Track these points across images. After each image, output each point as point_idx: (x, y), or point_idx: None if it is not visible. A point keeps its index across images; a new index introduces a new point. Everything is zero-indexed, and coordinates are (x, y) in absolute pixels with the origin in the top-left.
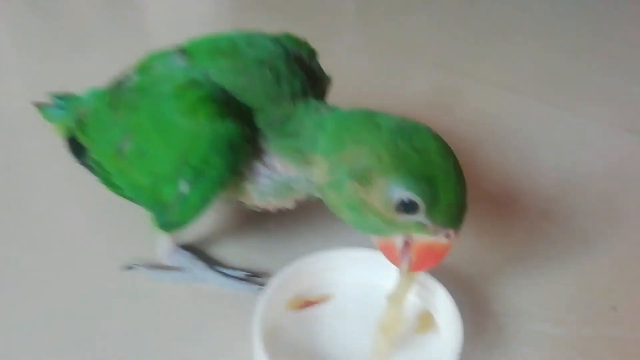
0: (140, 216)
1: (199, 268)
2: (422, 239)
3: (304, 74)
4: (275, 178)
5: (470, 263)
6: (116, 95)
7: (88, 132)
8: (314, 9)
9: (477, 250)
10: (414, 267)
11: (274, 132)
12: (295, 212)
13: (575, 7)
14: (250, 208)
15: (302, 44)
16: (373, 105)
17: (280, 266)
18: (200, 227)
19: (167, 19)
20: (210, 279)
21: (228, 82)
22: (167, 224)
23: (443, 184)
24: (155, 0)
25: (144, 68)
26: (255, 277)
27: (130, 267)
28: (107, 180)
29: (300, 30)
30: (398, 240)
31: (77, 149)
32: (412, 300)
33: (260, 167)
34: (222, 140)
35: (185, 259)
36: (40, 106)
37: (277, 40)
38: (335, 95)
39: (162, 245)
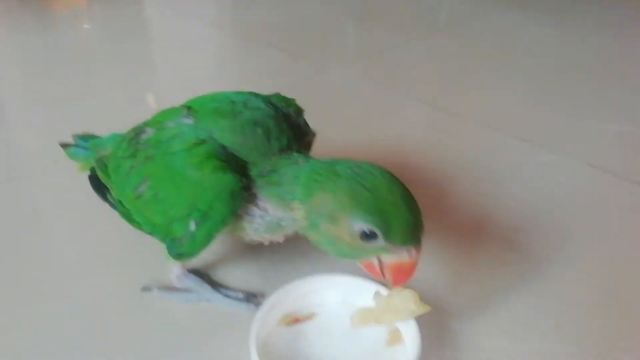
0: (155, 247)
1: (204, 290)
2: (390, 259)
3: (290, 130)
4: (267, 218)
5: (437, 287)
6: (134, 145)
7: (109, 173)
8: (314, 46)
9: (444, 276)
10: (393, 283)
11: (263, 181)
12: (286, 243)
13: (553, 51)
14: (247, 242)
15: (290, 103)
16: (363, 135)
17: (274, 288)
18: (206, 254)
19: (174, 56)
20: (214, 299)
21: (228, 140)
22: (178, 255)
23: (393, 213)
24: (161, 37)
25: (157, 123)
26: (252, 297)
27: (147, 289)
28: (127, 216)
29: (300, 66)
30: (374, 261)
31: (98, 185)
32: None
33: (254, 210)
34: (224, 190)
35: (193, 282)
36: (65, 146)
37: (268, 100)
38: (331, 121)
39: (174, 271)
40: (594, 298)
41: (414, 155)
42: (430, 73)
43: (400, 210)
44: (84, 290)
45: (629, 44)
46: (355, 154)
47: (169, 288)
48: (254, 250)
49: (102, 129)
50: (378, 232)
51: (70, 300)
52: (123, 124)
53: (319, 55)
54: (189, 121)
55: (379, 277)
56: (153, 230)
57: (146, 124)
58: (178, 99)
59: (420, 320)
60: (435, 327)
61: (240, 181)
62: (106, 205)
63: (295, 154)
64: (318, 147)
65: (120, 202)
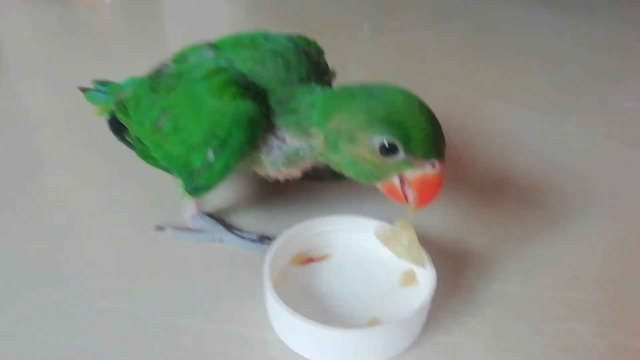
0: (170, 190)
1: (218, 230)
2: (413, 174)
3: (310, 65)
4: (284, 149)
5: (453, 238)
6: (156, 80)
7: (128, 112)
8: (329, 23)
9: (460, 228)
10: (419, 203)
11: (281, 109)
12: (298, 189)
13: (570, 27)
14: (263, 178)
15: (311, 43)
16: None
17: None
18: (219, 199)
19: (190, 31)
20: (228, 240)
21: (248, 68)
22: (195, 189)
23: (412, 124)
24: (173, 14)
25: (180, 58)
26: (266, 239)
27: (161, 228)
28: (144, 153)
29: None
30: (396, 181)
31: (116, 127)
32: (399, 260)
33: (272, 140)
34: (243, 116)
35: (207, 223)
36: (85, 90)
37: (290, 37)
38: None
39: (188, 210)
40: (613, 254)
41: None
42: (450, 53)
43: (419, 121)
44: (99, 229)
45: None
46: None
47: (183, 228)
48: (267, 193)
49: None
50: (398, 143)
51: (85, 238)
52: None
53: (333, 32)
54: (211, 54)
55: (402, 200)
56: (170, 164)
57: (168, 60)
58: None
59: (435, 264)
60: (450, 272)
61: (259, 108)
62: (121, 149)
63: (313, 84)
64: None
65: (138, 139)
